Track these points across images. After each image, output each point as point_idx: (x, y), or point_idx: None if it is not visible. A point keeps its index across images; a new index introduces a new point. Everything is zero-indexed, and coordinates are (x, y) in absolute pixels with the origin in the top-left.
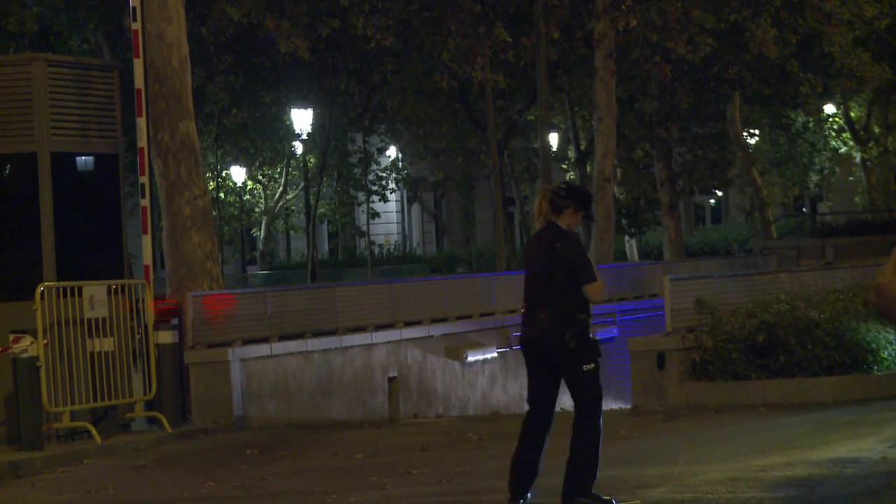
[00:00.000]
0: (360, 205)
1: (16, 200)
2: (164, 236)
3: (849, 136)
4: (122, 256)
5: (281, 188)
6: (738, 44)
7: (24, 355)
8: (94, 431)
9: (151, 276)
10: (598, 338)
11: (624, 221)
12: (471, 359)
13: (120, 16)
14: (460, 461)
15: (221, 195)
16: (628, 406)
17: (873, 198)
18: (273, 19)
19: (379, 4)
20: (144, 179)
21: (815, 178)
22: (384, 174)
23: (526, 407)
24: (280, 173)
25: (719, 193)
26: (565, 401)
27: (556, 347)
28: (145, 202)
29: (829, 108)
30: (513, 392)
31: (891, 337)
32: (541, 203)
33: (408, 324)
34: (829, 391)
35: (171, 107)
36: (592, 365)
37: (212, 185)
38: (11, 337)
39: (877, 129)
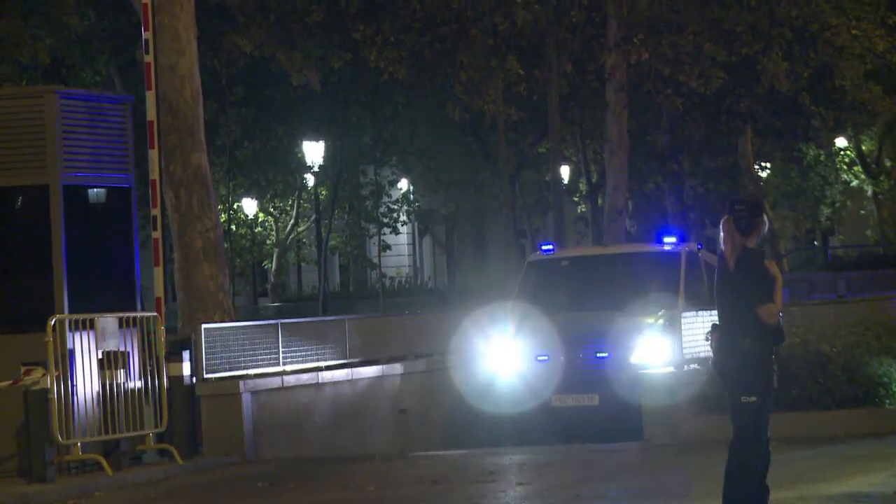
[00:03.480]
0: (371, 237)
1: (28, 233)
2: (176, 268)
3: (860, 170)
4: (134, 288)
5: (292, 220)
6: (750, 77)
7: (36, 387)
8: (105, 464)
9: (163, 309)
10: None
11: None
12: None
13: (132, 48)
14: (471, 495)
15: (233, 227)
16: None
17: (885, 231)
18: (285, 52)
19: (391, 37)
20: (156, 211)
21: (826, 211)
22: (395, 206)
23: None
24: (291, 205)
25: None
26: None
27: None
28: (157, 234)
29: (841, 142)
30: None
31: None
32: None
33: (418, 356)
34: (841, 425)
35: (183, 139)
36: (753, 397)
37: (223, 217)
38: (23, 369)
39: (888, 163)
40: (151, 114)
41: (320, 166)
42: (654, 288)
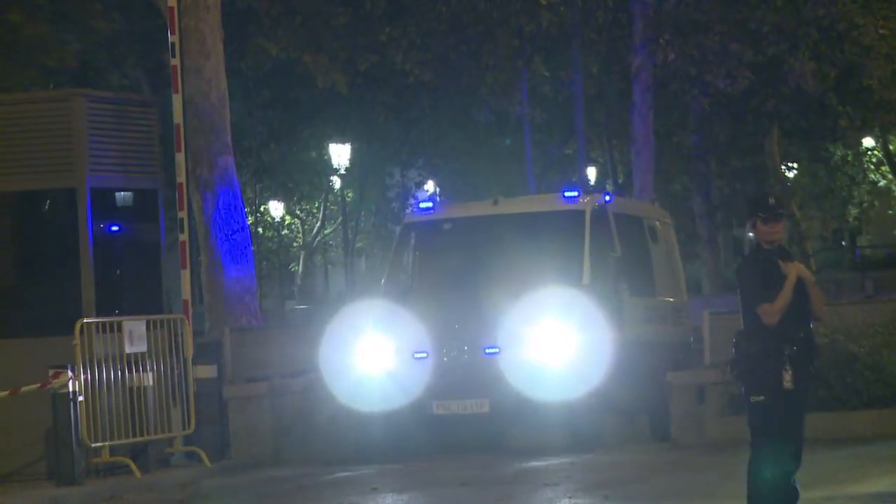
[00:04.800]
0: None
1: (55, 236)
2: (203, 271)
3: (888, 170)
4: (162, 292)
5: (319, 223)
6: (777, 77)
7: (64, 391)
8: (133, 466)
9: (190, 311)
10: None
11: None
12: None
13: (159, 52)
14: (499, 496)
15: (260, 230)
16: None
17: None
18: (311, 54)
19: (417, 39)
20: (183, 214)
21: (854, 211)
22: None
23: None
24: (318, 208)
25: None
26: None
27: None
28: (184, 237)
29: (868, 141)
30: None
31: None
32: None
33: None
34: (869, 425)
35: (209, 142)
36: (761, 397)
37: (250, 219)
38: (51, 372)
39: None
40: (178, 117)
41: (347, 168)
42: (553, 257)
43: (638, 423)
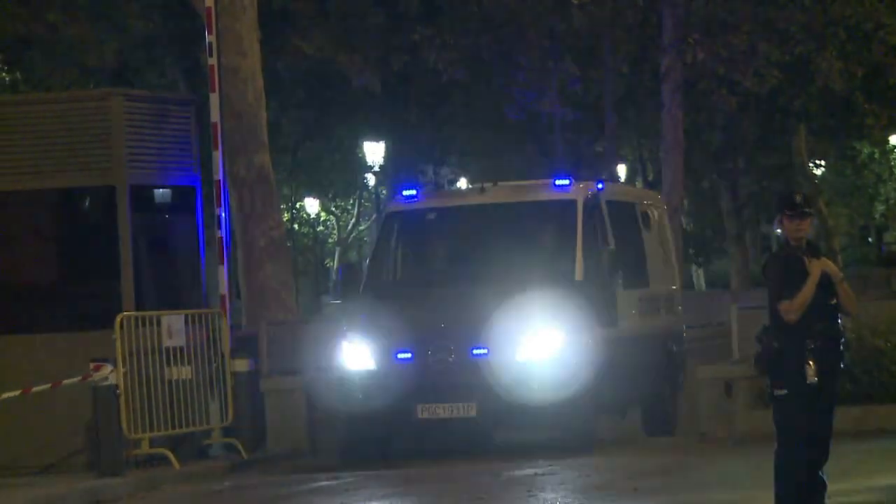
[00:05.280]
0: None
1: (96, 232)
2: (240, 267)
3: None
4: (200, 287)
5: (354, 219)
6: (804, 76)
7: (104, 383)
8: (172, 457)
9: (228, 306)
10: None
11: (691, 251)
12: None
13: (196, 51)
14: (530, 486)
15: (296, 226)
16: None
17: None
18: (345, 54)
19: (450, 39)
20: (220, 211)
21: (880, 208)
22: None
23: None
24: (353, 204)
25: None
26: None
27: None
28: (221, 233)
29: (895, 139)
30: None
31: None
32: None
33: None
34: (894, 419)
35: (246, 140)
36: (784, 391)
37: (286, 216)
38: (92, 365)
39: None
40: (215, 115)
41: (381, 166)
42: (545, 251)
43: (628, 419)
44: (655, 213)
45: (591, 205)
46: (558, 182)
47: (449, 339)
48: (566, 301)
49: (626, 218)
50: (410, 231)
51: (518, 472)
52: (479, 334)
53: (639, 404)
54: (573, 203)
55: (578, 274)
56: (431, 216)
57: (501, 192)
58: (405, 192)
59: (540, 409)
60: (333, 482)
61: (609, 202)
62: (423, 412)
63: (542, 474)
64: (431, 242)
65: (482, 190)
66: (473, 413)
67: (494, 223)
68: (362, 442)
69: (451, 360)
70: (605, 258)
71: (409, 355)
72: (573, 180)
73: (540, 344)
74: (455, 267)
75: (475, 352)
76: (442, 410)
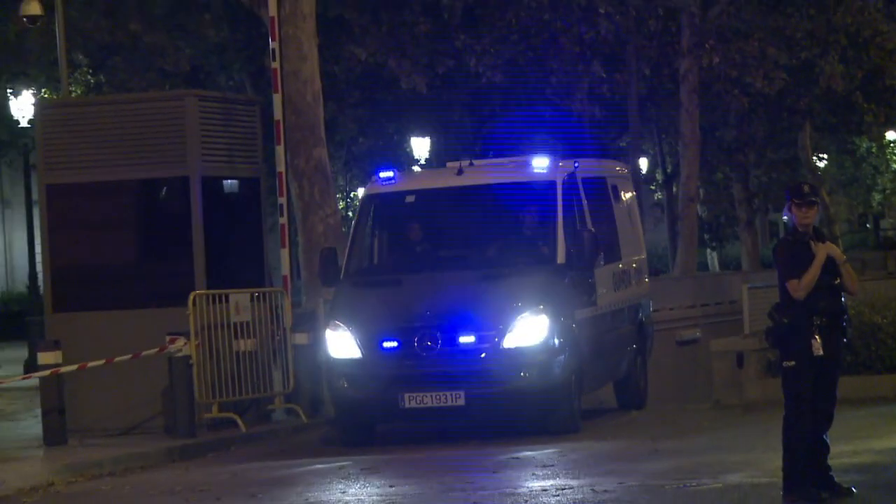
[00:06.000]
0: None
1: (171, 218)
2: (301, 250)
3: None
4: (264, 268)
5: None
6: (809, 78)
7: (179, 354)
8: (239, 421)
9: (290, 285)
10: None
11: (706, 236)
12: None
13: (261, 57)
14: (555, 448)
15: (350, 214)
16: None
17: None
18: (395, 59)
19: (490, 46)
20: (282, 200)
21: (877, 197)
22: None
23: None
24: None
25: None
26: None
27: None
28: (283, 220)
29: (891, 135)
30: None
31: None
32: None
33: None
34: (891, 387)
35: (305, 136)
36: (792, 362)
37: (342, 204)
38: (168, 338)
39: None
40: (278, 114)
41: (426, 159)
42: (526, 234)
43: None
44: (622, 184)
45: (569, 184)
46: (536, 162)
47: (435, 326)
48: (551, 285)
49: (599, 193)
50: (389, 214)
51: (528, 453)
52: (465, 322)
53: (611, 379)
54: (553, 184)
55: (560, 257)
56: (410, 199)
57: (479, 173)
58: (382, 174)
59: (529, 395)
60: (333, 465)
61: (584, 179)
62: (410, 401)
63: (559, 452)
64: (409, 226)
65: (459, 172)
66: (462, 402)
67: (474, 206)
68: (352, 429)
69: (438, 348)
70: (586, 239)
71: (395, 343)
72: (551, 160)
73: (527, 330)
74: (436, 251)
75: (462, 339)
76: (430, 399)
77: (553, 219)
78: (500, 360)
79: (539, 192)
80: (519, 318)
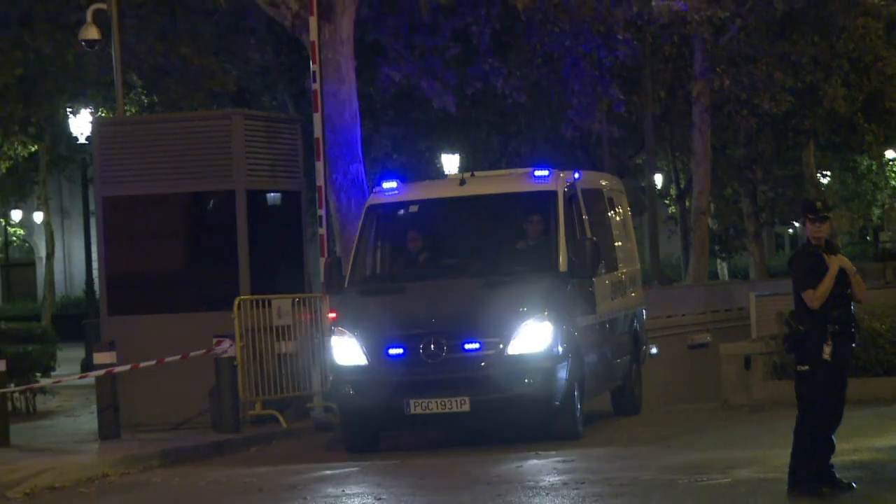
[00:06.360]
0: None
1: (218, 229)
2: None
3: None
4: (304, 275)
5: None
6: (813, 100)
7: (225, 355)
8: (281, 417)
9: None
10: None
11: (716, 247)
12: None
13: (303, 78)
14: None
15: None
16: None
17: None
18: (427, 81)
19: (515, 69)
20: (322, 212)
21: (877, 211)
22: None
23: None
24: None
25: (796, 224)
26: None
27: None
28: (322, 231)
29: (890, 154)
30: None
31: None
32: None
33: None
34: (889, 390)
35: (343, 152)
36: (806, 367)
37: None
38: (214, 340)
39: None
40: (318, 132)
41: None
42: (528, 243)
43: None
44: (618, 197)
45: (570, 195)
46: (538, 173)
47: (441, 333)
48: (554, 293)
49: (597, 204)
50: (392, 224)
51: (542, 452)
52: (471, 329)
53: (610, 386)
54: (554, 194)
55: (563, 265)
56: (414, 209)
57: (481, 184)
58: (385, 185)
59: (533, 401)
60: (367, 462)
61: (583, 190)
62: (416, 407)
63: (572, 452)
64: (413, 235)
65: (461, 182)
66: (467, 408)
67: (476, 215)
68: (357, 435)
69: (443, 354)
70: (588, 248)
71: (400, 350)
72: (552, 171)
73: (532, 337)
74: (439, 260)
75: (467, 346)
76: (435, 405)
77: (555, 228)
78: (504, 366)
79: (541, 201)
80: (523, 324)
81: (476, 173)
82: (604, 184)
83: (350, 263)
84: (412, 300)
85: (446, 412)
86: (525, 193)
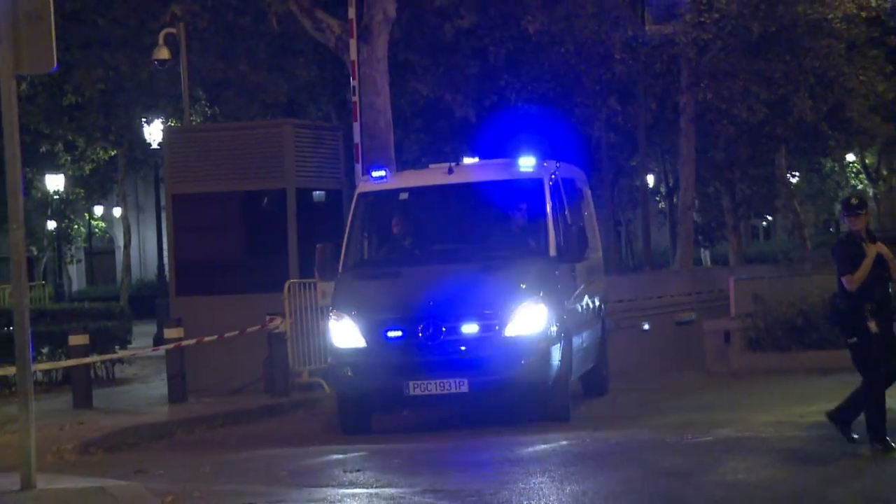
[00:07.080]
0: None
1: (271, 221)
2: None
3: (864, 177)
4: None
5: None
6: (784, 110)
7: (276, 331)
8: (324, 384)
9: None
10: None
11: (700, 237)
12: None
13: (344, 92)
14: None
15: None
16: (703, 370)
17: (882, 221)
18: (451, 93)
19: (527, 85)
20: None
21: (839, 207)
22: None
23: None
24: None
25: (769, 218)
26: None
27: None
28: None
29: (850, 157)
30: None
31: None
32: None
33: None
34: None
35: (378, 157)
36: (854, 339)
37: None
38: (267, 318)
39: (885, 172)
40: (357, 138)
41: None
42: (518, 229)
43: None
44: (585, 188)
45: (554, 183)
46: (522, 162)
47: (439, 316)
48: (547, 276)
49: (573, 193)
50: (382, 211)
51: (540, 424)
52: (468, 311)
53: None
54: (540, 182)
55: (552, 250)
56: (404, 196)
57: (468, 172)
58: (374, 173)
59: (528, 381)
60: (343, 455)
61: (563, 179)
62: (415, 389)
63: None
64: (405, 222)
65: (449, 171)
66: (465, 388)
67: (465, 202)
68: (354, 417)
69: (441, 337)
70: (574, 234)
71: (399, 333)
72: (538, 160)
73: (528, 319)
74: (430, 245)
75: (466, 328)
76: (434, 387)
77: (543, 214)
78: (501, 347)
79: (528, 189)
80: (520, 306)
81: (461, 163)
82: (574, 175)
83: (343, 249)
84: (409, 284)
85: (445, 393)
86: (512, 181)
